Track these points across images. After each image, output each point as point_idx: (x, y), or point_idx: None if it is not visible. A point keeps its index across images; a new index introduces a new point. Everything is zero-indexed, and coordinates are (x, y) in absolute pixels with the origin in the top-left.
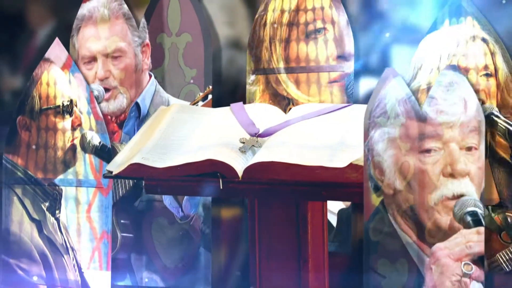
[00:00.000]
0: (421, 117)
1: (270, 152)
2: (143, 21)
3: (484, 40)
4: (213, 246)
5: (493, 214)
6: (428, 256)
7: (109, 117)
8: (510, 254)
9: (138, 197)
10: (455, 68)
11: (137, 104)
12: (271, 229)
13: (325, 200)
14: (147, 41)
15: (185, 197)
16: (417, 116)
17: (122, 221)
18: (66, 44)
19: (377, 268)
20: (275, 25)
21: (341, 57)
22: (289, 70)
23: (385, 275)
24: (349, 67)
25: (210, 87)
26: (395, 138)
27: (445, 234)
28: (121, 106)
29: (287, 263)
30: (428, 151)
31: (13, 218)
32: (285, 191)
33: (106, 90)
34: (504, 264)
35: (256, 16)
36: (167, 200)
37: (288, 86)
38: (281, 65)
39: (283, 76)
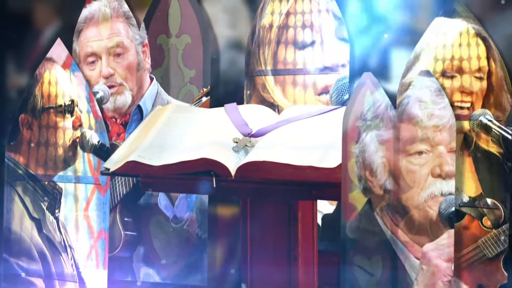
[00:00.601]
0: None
1: (262, 152)
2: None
3: (478, 43)
4: (209, 243)
5: (474, 202)
6: (412, 253)
7: (114, 119)
8: (492, 240)
9: (142, 195)
10: (429, 73)
11: (139, 107)
12: (263, 227)
13: (315, 199)
14: (146, 41)
15: (177, 200)
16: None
17: (125, 219)
18: (69, 43)
19: (365, 266)
20: (268, 28)
21: (329, 68)
22: (276, 76)
23: (372, 273)
24: (337, 77)
25: (209, 87)
26: (386, 141)
27: (432, 231)
28: (127, 102)
29: (277, 260)
30: (418, 153)
31: (14, 216)
32: (277, 190)
33: (112, 87)
34: (486, 250)
35: (254, 18)
36: (162, 204)
37: (276, 94)
38: (269, 68)
39: (271, 84)
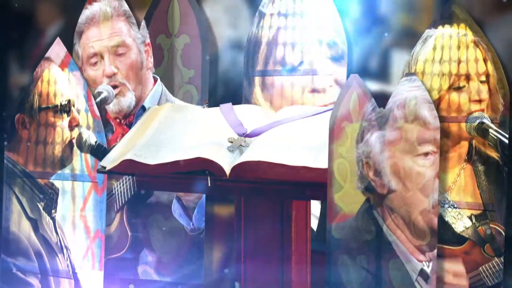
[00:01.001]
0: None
1: (257, 151)
2: (143, 21)
3: (475, 46)
4: (206, 242)
5: (477, 224)
6: (413, 254)
7: (118, 120)
8: (493, 268)
9: (150, 195)
10: (414, 74)
11: (143, 108)
12: (256, 226)
13: (309, 199)
14: (148, 40)
15: (196, 210)
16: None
17: (133, 220)
18: (70, 42)
19: (363, 266)
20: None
21: (316, 90)
22: (265, 95)
23: (372, 273)
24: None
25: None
26: (392, 141)
27: (436, 235)
28: (131, 104)
29: (271, 260)
30: (424, 154)
31: (12, 216)
32: (271, 189)
33: (115, 87)
34: (487, 279)
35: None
36: (177, 212)
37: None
38: (259, 92)
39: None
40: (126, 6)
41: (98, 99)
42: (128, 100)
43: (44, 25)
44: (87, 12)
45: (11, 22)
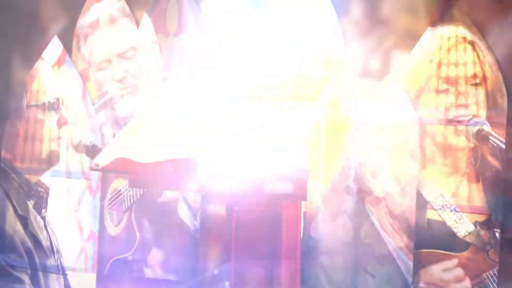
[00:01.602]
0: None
1: (249, 152)
2: (147, 19)
3: (474, 48)
4: (201, 241)
5: (480, 230)
6: (408, 257)
7: (127, 119)
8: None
9: (160, 195)
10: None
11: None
12: (247, 226)
13: (300, 200)
14: (155, 38)
15: (199, 211)
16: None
17: (142, 220)
18: (70, 41)
19: (368, 269)
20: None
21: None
22: None
23: (375, 276)
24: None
25: None
26: (391, 143)
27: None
28: (139, 103)
29: (261, 259)
30: (423, 156)
31: (2, 213)
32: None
33: (124, 88)
34: (492, 286)
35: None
36: (182, 212)
37: None
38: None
39: None
40: (127, 7)
41: (103, 99)
42: (137, 100)
43: (46, 22)
44: (92, 15)
45: (14, 19)
